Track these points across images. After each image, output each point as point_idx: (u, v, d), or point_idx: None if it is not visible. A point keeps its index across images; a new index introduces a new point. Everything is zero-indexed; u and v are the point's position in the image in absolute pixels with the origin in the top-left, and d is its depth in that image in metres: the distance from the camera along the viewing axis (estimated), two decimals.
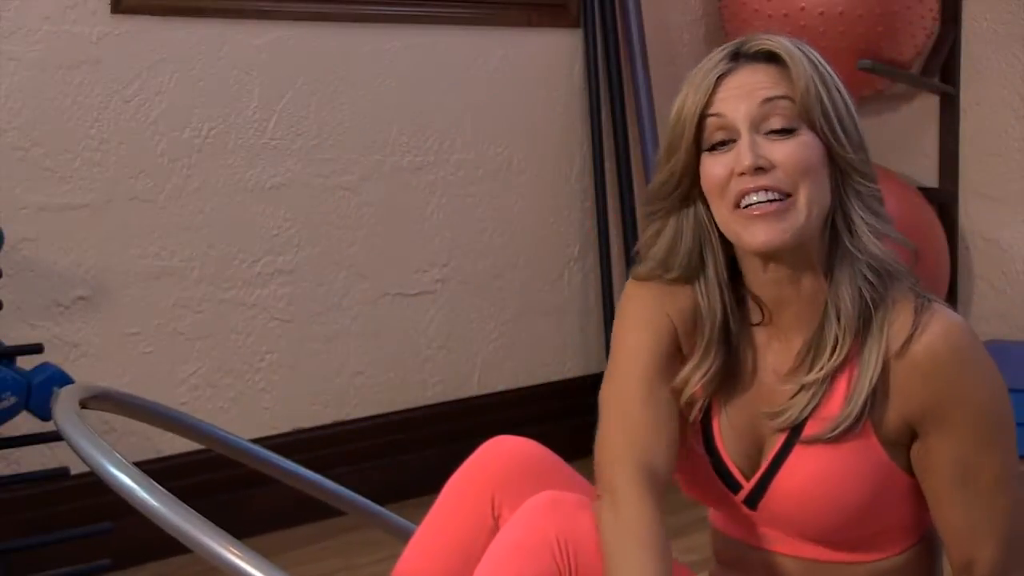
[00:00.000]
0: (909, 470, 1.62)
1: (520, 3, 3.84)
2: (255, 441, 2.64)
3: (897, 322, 1.57)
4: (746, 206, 1.55)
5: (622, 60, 3.95)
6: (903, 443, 1.60)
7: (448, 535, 1.71)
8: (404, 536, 2.13)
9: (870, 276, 1.58)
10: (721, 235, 1.63)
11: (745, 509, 1.67)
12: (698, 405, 1.67)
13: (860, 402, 1.57)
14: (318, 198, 3.45)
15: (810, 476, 1.61)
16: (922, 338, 1.56)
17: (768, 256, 1.59)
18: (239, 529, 2.38)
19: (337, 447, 3.46)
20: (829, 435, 1.58)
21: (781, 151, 1.54)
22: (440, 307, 3.69)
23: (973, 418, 1.57)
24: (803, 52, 1.58)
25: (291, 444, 3.30)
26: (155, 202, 3.18)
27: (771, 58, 1.58)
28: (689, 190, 1.62)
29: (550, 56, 3.89)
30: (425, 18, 3.64)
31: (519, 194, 3.84)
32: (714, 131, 1.58)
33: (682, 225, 1.64)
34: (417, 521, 1.83)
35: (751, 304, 1.67)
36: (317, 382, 3.47)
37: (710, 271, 1.65)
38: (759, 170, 1.54)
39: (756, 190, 1.54)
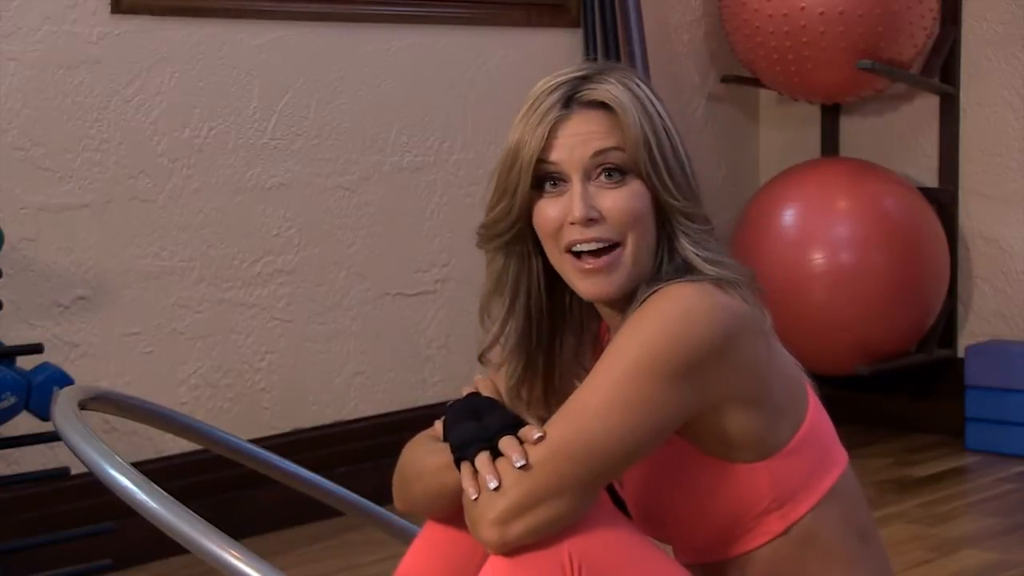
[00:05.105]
0: (709, 451, 1.58)
1: (520, 3, 3.84)
2: (255, 441, 2.64)
3: None
4: (577, 253, 1.60)
5: (622, 60, 3.94)
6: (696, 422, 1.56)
7: (451, 538, 1.69)
8: (404, 536, 2.12)
9: None
10: (545, 262, 1.66)
11: None
12: None
13: None
14: (318, 198, 3.45)
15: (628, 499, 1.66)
16: None
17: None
18: (239, 529, 2.39)
19: (337, 447, 3.46)
20: None
21: (610, 201, 1.58)
22: (440, 307, 3.69)
23: (615, 347, 1.53)
24: (635, 96, 1.60)
25: (291, 444, 3.30)
26: (155, 202, 3.18)
27: (604, 106, 1.61)
28: (524, 229, 1.66)
29: (550, 56, 3.88)
30: (425, 18, 3.64)
31: None
32: (547, 174, 1.62)
33: (511, 259, 1.68)
34: (416, 521, 1.82)
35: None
36: (317, 382, 3.47)
37: (521, 299, 1.67)
38: (590, 221, 1.58)
39: (586, 240, 1.59)
